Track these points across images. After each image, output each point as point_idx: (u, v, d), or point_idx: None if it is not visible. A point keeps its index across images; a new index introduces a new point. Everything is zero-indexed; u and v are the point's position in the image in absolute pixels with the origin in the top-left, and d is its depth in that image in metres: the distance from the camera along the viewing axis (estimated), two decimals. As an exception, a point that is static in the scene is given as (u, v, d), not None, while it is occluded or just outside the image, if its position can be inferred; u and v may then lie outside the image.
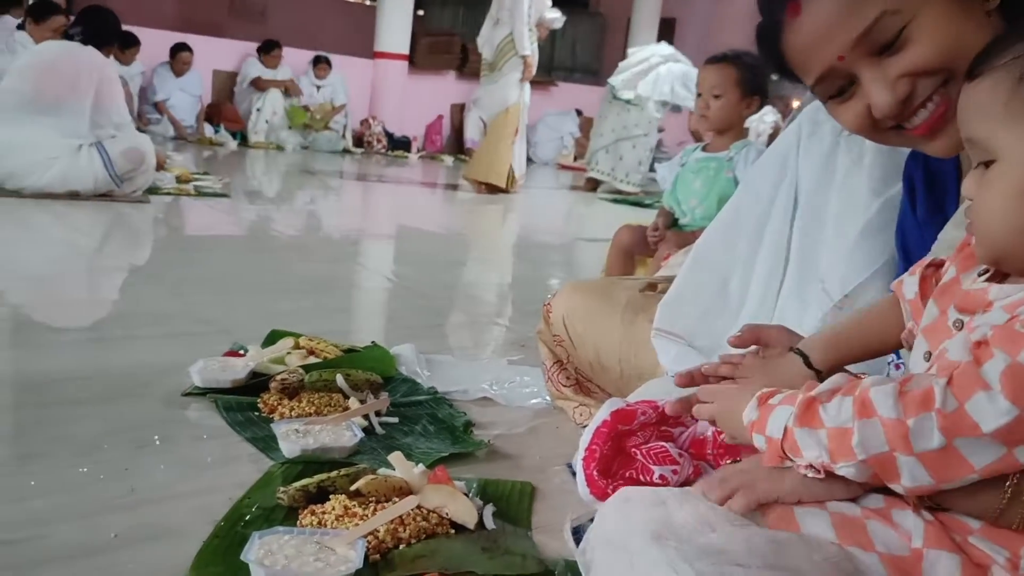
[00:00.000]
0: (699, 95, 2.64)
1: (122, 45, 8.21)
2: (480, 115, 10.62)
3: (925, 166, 1.19)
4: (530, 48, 6.89)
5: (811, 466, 0.81)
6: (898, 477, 0.76)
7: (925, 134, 1.03)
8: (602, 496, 1.20)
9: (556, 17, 7.14)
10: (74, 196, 4.29)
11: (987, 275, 0.85)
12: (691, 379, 1.09)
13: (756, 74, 2.60)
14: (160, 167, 5.02)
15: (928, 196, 1.18)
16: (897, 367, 1.16)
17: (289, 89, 9.48)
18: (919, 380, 0.76)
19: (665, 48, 8.35)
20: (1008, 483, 0.76)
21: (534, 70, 7.03)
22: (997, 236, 0.81)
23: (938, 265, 0.93)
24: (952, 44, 0.93)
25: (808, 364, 0.98)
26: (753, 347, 1.09)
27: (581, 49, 14.97)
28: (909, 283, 0.94)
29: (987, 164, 0.82)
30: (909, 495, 0.79)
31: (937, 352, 0.83)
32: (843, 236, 1.39)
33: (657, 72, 7.99)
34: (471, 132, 11.14)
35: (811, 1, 1.02)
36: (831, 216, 1.42)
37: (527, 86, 7.09)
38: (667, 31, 12.01)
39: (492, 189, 7.10)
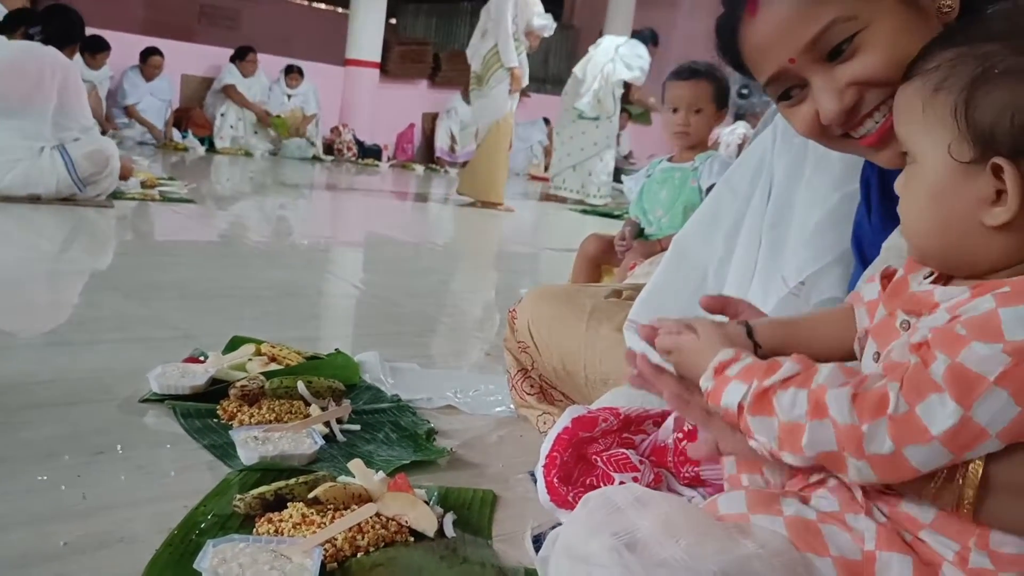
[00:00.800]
0: (674, 110, 2.64)
1: (92, 50, 8.14)
2: (451, 127, 10.65)
3: (880, 172, 1.20)
4: (516, 59, 6.74)
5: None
6: (844, 471, 0.78)
7: (873, 144, 1.04)
8: (562, 503, 1.19)
9: (546, 24, 6.95)
10: (35, 200, 4.22)
11: (932, 277, 0.87)
12: (652, 332, 1.04)
13: (726, 88, 2.63)
14: (127, 176, 4.93)
15: (882, 202, 1.19)
16: None
17: (258, 116, 9.43)
18: (872, 382, 0.77)
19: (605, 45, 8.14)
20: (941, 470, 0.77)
21: (524, 81, 6.86)
22: (917, 233, 0.85)
23: (893, 274, 0.94)
24: (902, 57, 0.92)
25: (749, 334, 0.97)
26: (718, 316, 1.07)
27: (554, 61, 15.01)
28: (868, 289, 0.95)
29: (913, 163, 0.85)
30: (852, 483, 0.82)
31: (885, 352, 0.84)
32: (804, 227, 1.42)
33: (600, 67, 7.83)
34: (441, 141, 11.14)
35: (768, 1, 1.03)
36: (797, 210, 1.45)
37: (516, 97, 6.94)
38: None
39: (488, 204, 6.97)
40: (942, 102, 0.80)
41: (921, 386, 0.74)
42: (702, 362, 0.88)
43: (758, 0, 1.03)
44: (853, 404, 0.75)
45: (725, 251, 1.54)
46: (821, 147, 1.42)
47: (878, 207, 1.19)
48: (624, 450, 1.13)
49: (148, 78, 8.90)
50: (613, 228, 3.12)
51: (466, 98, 11.04)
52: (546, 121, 12.05)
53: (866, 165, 1.24)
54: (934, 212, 0.82)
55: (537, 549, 1.26)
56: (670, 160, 2.72)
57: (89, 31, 8.19)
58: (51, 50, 4.43)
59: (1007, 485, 0.75)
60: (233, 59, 9.46)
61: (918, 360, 0.75)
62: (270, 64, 9.86)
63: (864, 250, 1.22)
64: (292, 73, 9.83)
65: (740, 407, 0.82)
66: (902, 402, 0.74)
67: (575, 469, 1.13)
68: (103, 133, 6.22)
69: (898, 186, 0.87)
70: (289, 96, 9.79)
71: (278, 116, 9.47)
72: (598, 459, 1.12)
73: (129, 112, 8.83)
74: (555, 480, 1.11)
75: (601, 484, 1.11)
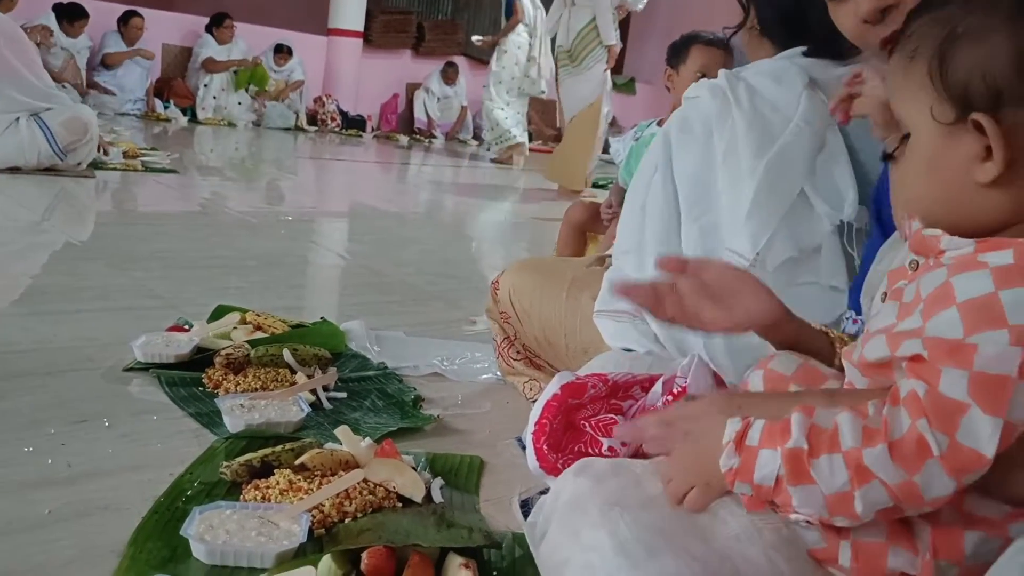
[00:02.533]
0: (703, 76, 2.61)
1: (70, 17, 8.00)
2: (427, 103, 10.41)
3: None
4: (615, 36, 6.23)
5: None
6: (904, 514, 0.77)
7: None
8: (552, 470, 1.19)
9: None
10: (15, 171, 4.16)
11: None
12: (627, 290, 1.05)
13: (733, 60, 2.62)
14: (104, 150, 4.84)
15: None
16: (855, 321, 1.17)
17: (244, 64, 9.29)
18: (898, 423, 0.74)
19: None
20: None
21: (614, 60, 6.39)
22: (918, 204, 0.84)
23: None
24: None
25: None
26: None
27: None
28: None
29: (907, 136, 0.84)
30: None
31: (893, 289, 0.84)
32: (739, 204, 1.47)
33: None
34: (419, 113, 11.07)
35: None
36: (722, 192, 1.51)
37: (608, 76, 6.43)
38: (623, 15, 11.98)
39: (570, 192, 6.53)
40: (918, 69, 0.80)
41: (948, 413, 0.72)
42: (712, 441, 0.83)
43: None
44: (894, 460, 0.73)
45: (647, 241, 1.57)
46: (726, 129, 1.49)
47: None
48: (613, 415, 1.13)
49: (129, 42, 8.70)
50: (597, 196, 3.11)
51: (447, 78, 11.00)
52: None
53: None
54: (931, 180, 0.81)
55: (525, 514, 1.27)
56: (659, 124, 2.70)
57: (70, 0, 8.11)
58: None
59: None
60: (209, 28, 9.29)
61: (924, 385, 0.73)
62: (252, 34, 9.72)
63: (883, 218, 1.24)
64: (281, 52, 9.70)
65: (778, 479, 0.78)
66: (941, 439, 0.72)
67: (564, 436, 1.13)
68: (83, 101, 6.15)
69: (900, 164, 0.86)
70: (276, 71, 9.67)
71: (242, 71, 9.27)
72: (587, 424, 1.12)
73: (107, 61, 8.61)
74: (544, 447, 1.11)
75: (589, 450, 1.11)
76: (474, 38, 8.85)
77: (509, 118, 8.49)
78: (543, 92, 8.69)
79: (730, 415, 0.83)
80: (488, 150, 8.74)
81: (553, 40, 6.84)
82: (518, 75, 8.35)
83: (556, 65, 6.60)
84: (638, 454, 1.05)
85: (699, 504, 0.85)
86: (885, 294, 0.86)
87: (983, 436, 0.71)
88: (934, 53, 0.79)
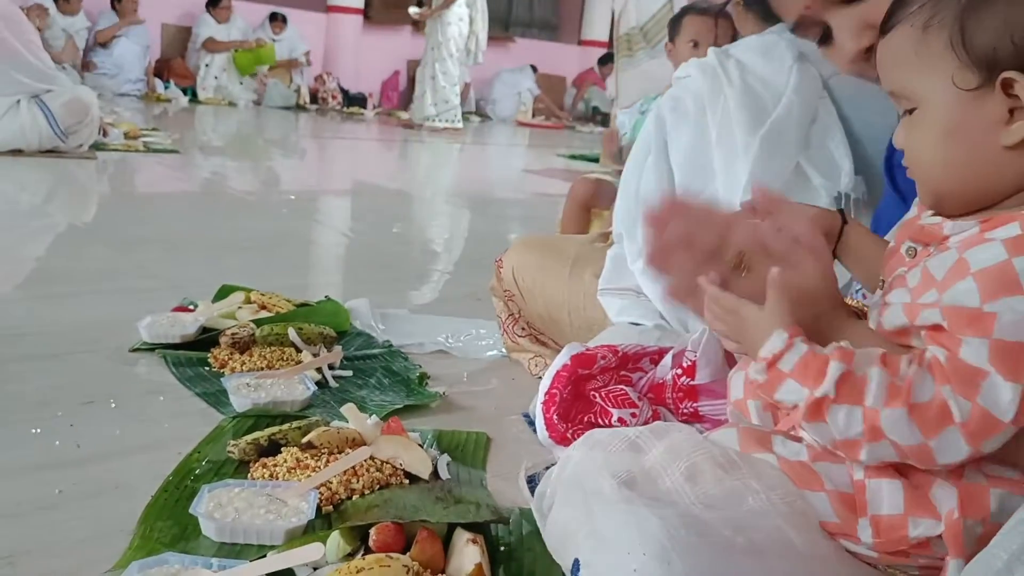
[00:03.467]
0: (695, 44, 2.60)
1: (64, -6, 7.94)
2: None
3: None
4: None
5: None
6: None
7: None
8: (561, 440, 1.20)
9: None
10: (17, 153, 4.15)
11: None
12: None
13: (729, 26, 2.60)
14: (105, 131, 4.82)
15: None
16: (865, 295, 1.17)
17: (245, 44, 9.26)
18: (922, 385, 0.75)
19: None
20: None
21: None
22: (933, 177, 0.84)
23: None
24: None
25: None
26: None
27: (539, 3, 14.81)
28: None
29: (910, 112, 0.84)
30: None
31: (889, 279, 0.85)
32: (734, 181, 1.48)
33: None
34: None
35: None
36: (717, 170, 1.52)
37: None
38: None
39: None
40: (935, 38, 0.79)
41: (969, 378, 0.73)
42: (757, 337, 0.84)
43: None
44: (912, 422, 0.74)
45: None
46: (719, 107, 1.50)
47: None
48: (622, 387, 1.13)
49: (123, 14, 8.62)
50: (602, 172, 3.11)
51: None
52: (533, 69, 11.92)
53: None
54: (951, 149, 0.81)
55: (531, 489, 1.27)
56: (665, 96, 2.69)
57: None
58: None
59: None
60: (207, 7, 9.27)
61: (945, 352, 0.74)
62: (250, 12, 9.69)
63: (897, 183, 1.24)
64: (276, 20, 9.68)
65: (795, 407, 0.80)
66: (963, 404, 0.73)
67: (573, 406, 1.14)
68: (82, 82, 6.12)
69: (898, 140, 0.86)
70: (274, 41, 9.63)
71: (241, 51, 9.23)
72: (596, 395, 1.13)
73: (99, 39, 8.53)
74: (555, 417, 1.12)
75: (599, 420, 1.12)
76: (411, 10, 8.83)
77: (451, 89, 8.57)
78: (480, 62, 8.90)
79: (784, 320, 0.83)
80: (436, 121, 8.69)
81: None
82: (462, 47, 8.46)
83: (617, 53, 6.22)
84: (647, 424, 1.05)
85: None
86: (883, 281, 0.87)
87: (1003, 402, 0.71)
88: (955, 18, 0.78)
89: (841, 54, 1.09)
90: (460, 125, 8.73)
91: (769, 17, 1.61)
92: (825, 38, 1.11)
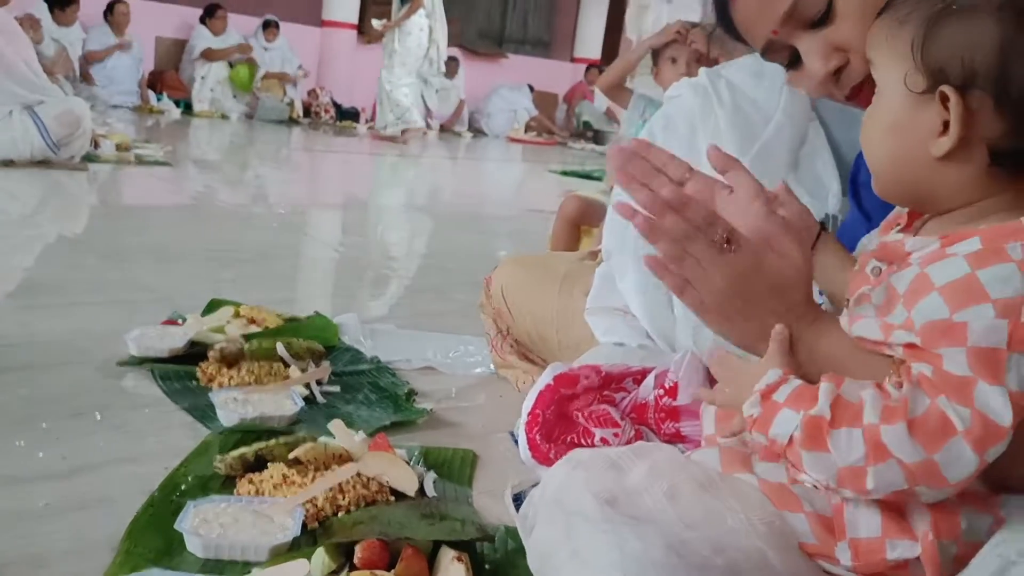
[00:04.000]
0: (673, 61, 2.64)
1: (61, 4, 7.94)
2: (423, 93, 10.45)
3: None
4: None
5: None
6: (917, 499, 0.78)
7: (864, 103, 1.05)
8: (544, 460, 1.20)
9: None
10: (8, 164, 4.15)
11: (898, 230, 0.89)
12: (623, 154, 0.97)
13: (712, 46, 2.64)
14: (96, 143, 4.82)
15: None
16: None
17: (243, 50, 9.30)
18: (917, 401, 0.74)
19: None
20: None
21: None
22: (875, 163, 0.87)
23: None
24: None
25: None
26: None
27: (532, 21, 14.88)
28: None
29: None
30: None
31: (854, 297, 0.86)
32: None
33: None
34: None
35: None
36: None
37: None
38: (618, 5, 11.99)
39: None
40: (904, 35, 0.82)
41: (960, 386, 0.73)
42: (751, 384, 0.84)
43: None
44: (913, 438, 0.73)
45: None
46: (710, 126, 1.52)
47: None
48: (605, 407, 1.14)
49: (118, 31, 8.64)
50: (592, 188, 3.13)
51: (449, 71, 10.97)
52: (530, 88, 11.98)
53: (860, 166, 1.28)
54: (891, 142, 0.84)
55: (517, 507, 1.28)
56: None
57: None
58: None
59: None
60: (202, 19, 9.31)
61: (929, 367, 0.75)
62: (245, 24, 9.72)
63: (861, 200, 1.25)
64: (269, 27, 9.74)
65: (791, 439, 0.79)
66: (963, 411, 0.72)
67: (556, 426, 1.14)
68: (76, 94, 6.12)
69: (864, 118, 0.89)
70: (266, 50, 9.67)
71: (239, 64, 9.29)
72: (579, 415, 1.13)
73: (90, 58, 8.55)
74: (537, 437, 1.12)
75: (582, 441, 1.12)
76: (373, 22, 8.93)
77: (409, 98, 8.62)
78: (442, 72, 9.04)
79: (782, 365, 0.84)
80: (384, 128, 8.73)
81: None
82: (420, 57, 8.54)
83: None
84: (629, 444, 1.06)
85: (736, 428, 0.87)
86: (848, 300, 0.88)
87: (996, 406, 0.72)
88: (922, 23, 0.80)
89: (809, 77, 1.10)
90: (420, 125, 8.81)
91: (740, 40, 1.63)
92: (793, 62, 1.12)
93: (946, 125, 0.79)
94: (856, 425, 0.76)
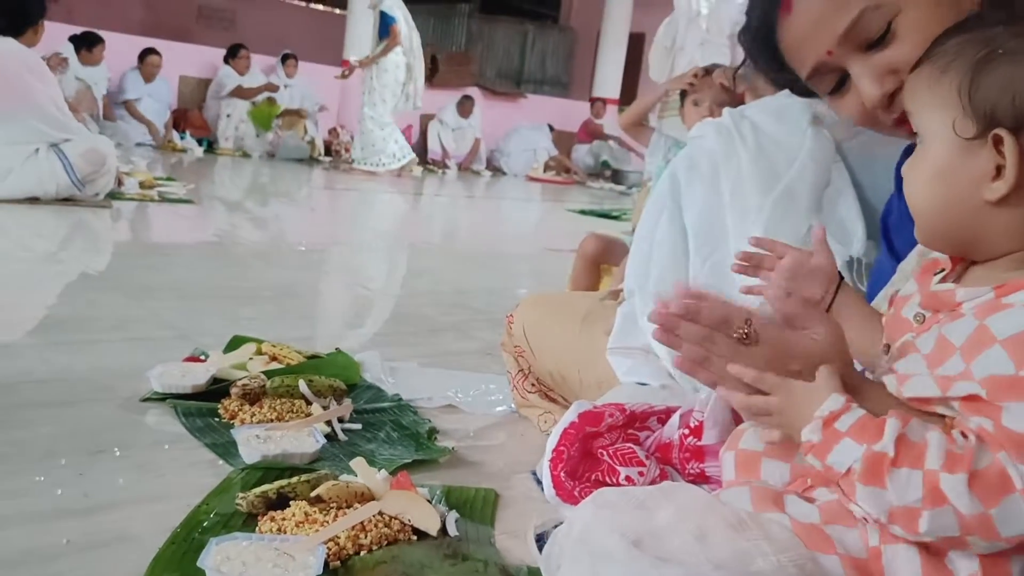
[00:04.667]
0: (695, 104, 2.66)
1: (88, 45, 8.11)
2: (440, 134, 10.63)
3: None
4: None
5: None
6: (967, 548, 0.76)
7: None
8: (568, 498, 1.19)
9: None
10: (34, 201, 4.20)
11: (943, 274, 0.88)
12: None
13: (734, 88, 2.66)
14: (120, 182, 4.88)
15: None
16: None
17: (270, 88, 9.47)
18: (981, 453, 0.74)
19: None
20: None
21: None
22: (920, 212, 0.86)
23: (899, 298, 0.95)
24: None
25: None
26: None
27: (551, 63, 15.03)
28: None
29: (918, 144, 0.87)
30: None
31: (896, 345, 0.85)
32: (747, 241, 1.44)
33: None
34: (433, 144, 11.18)
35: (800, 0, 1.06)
36: (730, 230, 1.53)
37: None
38: (636, 46, 12.09)
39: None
40: (948, 82, 0.82)
41: (1021, 444, 0.72)
42: (806, 411, 0.83)
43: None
44: (972, 491, 0.73)
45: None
46: (732, 168, 1.51)
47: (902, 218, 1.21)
48: (630, 445, 1.13)
49: (147, 79, 8.87)
50: (612, 227, 3.13)
51: (463, 110, 11.11)
52: (551, 128, 12.05)
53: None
54: (939, 190, 0.83)
55: (540, 547, 1.26)
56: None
57: (84, 30, 8.23)
58: (11, 43, 4.16)
59: None
60: (226, 59, 9.47)
61: (989, 421, 0.74)
62: (269, 65, 9.87)
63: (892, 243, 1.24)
64: (288, 60, 9.91)
65: (849, 470, 0.78)
66: (1022, 469, 0.72)
67: (581, 464, 1.13)
68: (100, 131, 6.20)
69: (905, 168, 0.88)
70: (286, 86, 9.80)
71: (259, 105, 9.44)
72: (604, 453, 1.13)
73: (128, 107, 8.76)
74: (562, 474, 1.12)
75: (607, 479, 1.11)
76: (352, 59, 9.16)
77: (388, 138, 8.77)
78: (419, 107, 9.21)
79: (839, 390, 0.83)
80: (362, 164, 8.84)
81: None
82: (398, 93, 8.72)
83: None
84: (654, 483, 1.05)
85: (776, 438, 0.87)
86: (888, 346, 0.87)
87: None
88: (969, 68, 0.81)
89: (857, 103, 1.08)
90: (382, 169, 8.84)
91: (778, 82, 1.63)
92: (836, 88, 1.10)
93: (999, 169, 0.78)
94: (917, 467, 0.75)
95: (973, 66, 0.80)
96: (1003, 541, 0.73)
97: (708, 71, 2.72)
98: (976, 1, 1.00)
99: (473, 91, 11.59)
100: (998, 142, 0.78)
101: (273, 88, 9.53)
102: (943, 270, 0.89)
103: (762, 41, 1.13)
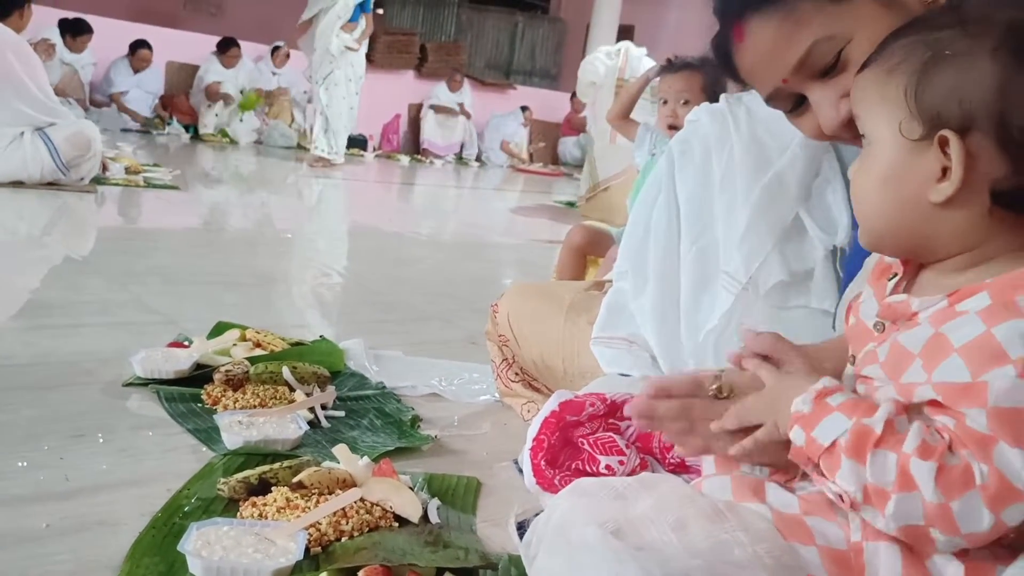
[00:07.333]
0: (664, 102, 2.66)
1: (73, 33, 8.08)
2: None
3: None
4: None
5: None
6: (931, 544, 0.76)
7: None
8: (548, 486, 1.20)
9: None
10: (18, 185, 4.17)
11: (895, 280, 0.89)
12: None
13: (718, 80, 2.64)
14: (104, 167, 4.85)
15: None
16: None
17: (255, 94, 9.42)
18: (949, 452, 0.74)
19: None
20: None
21: None
22: (868, 215, 0.86)
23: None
24: None
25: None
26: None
27: (540, 53, 15.02)
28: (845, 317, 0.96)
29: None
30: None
31: (861, 355, 0.86)
32: (734, 227, 1.48)
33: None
34: (429, 134, 11.14)
35: (751, 31, 1.08)
36: (719, 215, 1.52)
37: None
38: (625, 38, 12.07)
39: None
40: (895, 84, 0.82)
41: (981, 442, 0.73)
42: (796, 393, 0.83)
43: (743, 29, 1.09)
44: (937, 481, 0.73)
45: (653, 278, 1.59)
46: (724, 152, 1.53)
47: None
48: (611, 434, 1.14)
49: (136, 70, 8.84)
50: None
51: (452, 85, 11.08)
52: (523, 109, 12.01)
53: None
54: (885, 193, 0.84)
55: (521, 535, 1.27)
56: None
57: (73, 15, 8.18)
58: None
59: None
60: (216, 52, 9.43)
61: (953, 420, 0.74)
62: (257, 52, 9.81)
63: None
64: (278, 53, 9.85)
65: (834, 443, 0.78)
66: (984, 468, 0.72)
67: (561, 453, 1.14)
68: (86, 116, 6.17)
69: (852, 171, 0.89)
70: (275, 74, 9.76)
71: (249, 92, 9.38)
72: (584, 442, 1.13)
73: (114, 99, 8.74)
74: (542, 463, 1.12)
75: (587, 467, 1.12)
76: (344, 36, 8.46)
77: (338, 120, 8.31)
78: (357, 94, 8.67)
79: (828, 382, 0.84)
80: (318, 150, 8.27)
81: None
82: (353, 78, 8.35)
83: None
84: (633, 475, 1.05)
85: (759, 441, 0.87)
86: (853, 357, 0.88)
87: (1016, 467, 0.71)
88: (916, 70, 0.81)
89: (816, 122, 1.10)
90: (338, 159, 8.25)
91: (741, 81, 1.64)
92: (794, 108, 1.12)
93: (945, 171, 0.79)
94: (895, 450, 0.75)
95: (920, 68, 0.80)
96: (962, 538, 0.73)
97: (673, 66, 2.70)
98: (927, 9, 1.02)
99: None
100: (944, 143, 0.78)
101: (257, 95, 9.47)
102: (896, 275, 0.89)
103: (723, 60, 1.15)
